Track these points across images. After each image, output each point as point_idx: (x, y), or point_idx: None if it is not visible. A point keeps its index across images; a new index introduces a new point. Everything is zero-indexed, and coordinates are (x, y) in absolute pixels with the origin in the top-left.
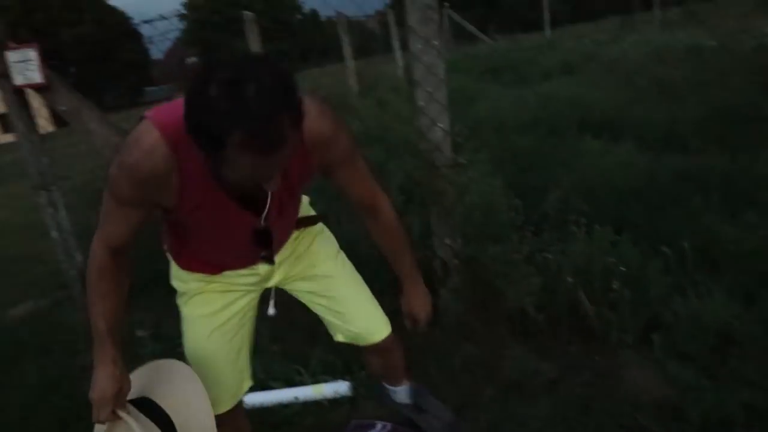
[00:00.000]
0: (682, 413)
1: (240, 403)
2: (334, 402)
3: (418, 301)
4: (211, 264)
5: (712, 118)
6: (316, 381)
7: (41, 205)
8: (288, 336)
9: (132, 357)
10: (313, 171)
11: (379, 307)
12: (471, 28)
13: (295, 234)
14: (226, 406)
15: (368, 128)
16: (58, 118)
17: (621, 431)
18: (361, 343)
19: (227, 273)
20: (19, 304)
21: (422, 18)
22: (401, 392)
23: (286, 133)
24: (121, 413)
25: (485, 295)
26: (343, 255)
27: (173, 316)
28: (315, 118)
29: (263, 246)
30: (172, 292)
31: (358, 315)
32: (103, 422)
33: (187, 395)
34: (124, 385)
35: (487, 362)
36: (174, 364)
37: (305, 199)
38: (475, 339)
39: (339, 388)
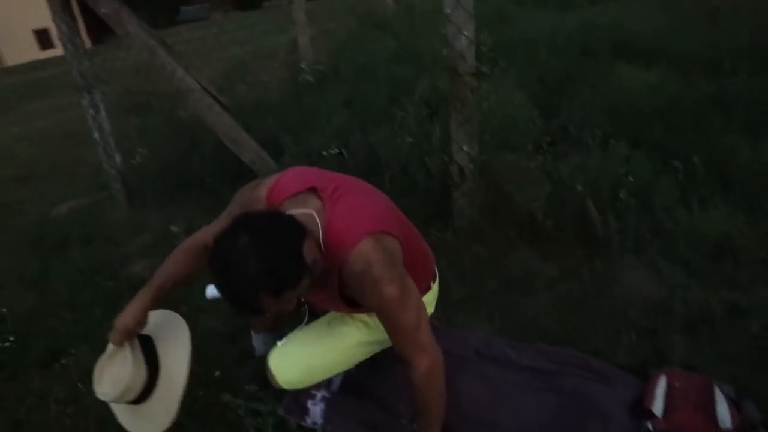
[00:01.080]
0: (669, 310)
1: None
2: None
3: None
4: None
5: (756, 48)
6: None
7: (84, 107)
8: None
9: (168, 247)
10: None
11: (303, 356)
12: None
13: None
14: None
15: (401, 45)
16: (94, 37)
17: (611, 323)
18: None
19: None
20: (63, 203)
21: None
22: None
23: (265, 304)
24: (126, 344)
25: (496, 199)
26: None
27: (204, 214)
28: (358, 268)
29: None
30: (205, 193)
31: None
32: (113, 344)
33: (177, 352)
34: (138, 327)
35: (493, 261)
36: (182, 323)
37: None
38: (485, 240)
39: None
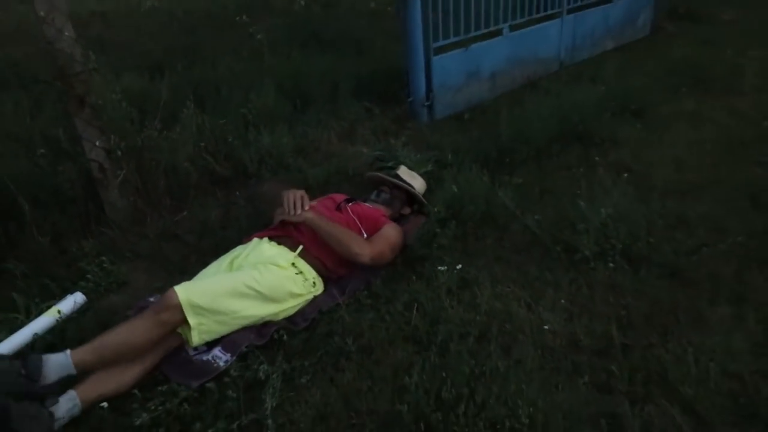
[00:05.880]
0: None
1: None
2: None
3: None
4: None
5: None
6: (44, 310)
7: None
8: None
9: None
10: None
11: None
12: None
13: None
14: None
15: None
16: None
17: None
18: None
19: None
20: None
21: None
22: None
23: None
24: None
25: (150, 174)
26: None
27: None
28: (394, 226)
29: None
30: None
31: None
32: None
33: None
34: None
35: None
36: None
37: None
38: (152, 217)
39: (75, 299)
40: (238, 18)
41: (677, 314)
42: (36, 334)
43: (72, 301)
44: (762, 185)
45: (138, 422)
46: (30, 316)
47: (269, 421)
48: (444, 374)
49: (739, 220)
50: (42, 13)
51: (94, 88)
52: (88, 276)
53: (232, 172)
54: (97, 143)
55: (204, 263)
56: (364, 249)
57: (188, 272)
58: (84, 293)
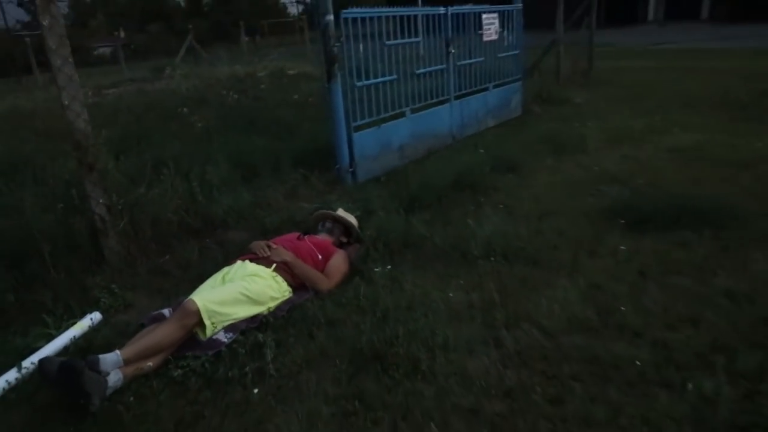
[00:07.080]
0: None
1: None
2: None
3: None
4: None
5: None
6: (69, 326)
7: None
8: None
9: None
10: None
11: (212, 303)
12: None
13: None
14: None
15: None
16: None
17: None
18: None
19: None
20: None
21: (60, 41)
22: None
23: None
24: None
25: (144, 226)
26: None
27: None
28: (342, 254)
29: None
30: None
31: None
32: None
33: None
34: None
35: (177, 267)
36: None
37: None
38: (136, 263)
39: (94, 318)
40: (178, 110)
41: (536, 285)
42: (74, 337)
43: (90, 320)
44: (591, 207)
45: (175, 375)
46: (59, 329)
47: (270, 366)
48: (386, 328)
49: (575, 228)
50: (66, 102)
51: (100, 157)
52: (103, 300)
53: (203, 224)
54: (101, 200)
55: (192, 287)
56: (324, 286)
57: (181, 293)
58: (100, 313)
